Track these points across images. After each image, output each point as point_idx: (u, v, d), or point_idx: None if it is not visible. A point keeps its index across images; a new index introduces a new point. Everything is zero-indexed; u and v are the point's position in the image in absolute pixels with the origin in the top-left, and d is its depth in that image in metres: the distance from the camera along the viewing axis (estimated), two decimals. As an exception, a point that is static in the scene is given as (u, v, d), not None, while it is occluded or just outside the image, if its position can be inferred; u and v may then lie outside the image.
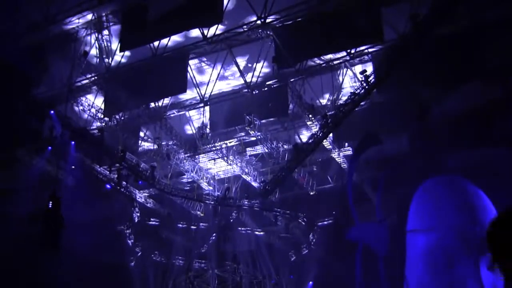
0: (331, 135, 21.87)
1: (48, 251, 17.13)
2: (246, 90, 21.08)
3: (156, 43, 20.04)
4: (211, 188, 26.15)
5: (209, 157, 24.58)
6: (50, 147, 21.16)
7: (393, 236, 16.65)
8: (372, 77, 18.41)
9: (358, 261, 17.29)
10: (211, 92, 21.72)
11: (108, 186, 24.06)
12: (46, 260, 19.41)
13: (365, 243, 17.73)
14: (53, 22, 18.84)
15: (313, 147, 21.08)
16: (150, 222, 28.32)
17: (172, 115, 23.28)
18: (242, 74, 21.01)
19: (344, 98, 20.21)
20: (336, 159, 24.18)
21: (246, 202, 26.17)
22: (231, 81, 22.74)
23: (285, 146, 23.98)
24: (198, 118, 23.85)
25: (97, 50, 20.96)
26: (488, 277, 14.51)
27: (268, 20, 18.12)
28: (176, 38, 20.42)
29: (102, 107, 22.71)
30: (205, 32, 19.13)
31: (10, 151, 20.72)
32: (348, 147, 23.73)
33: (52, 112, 20.28)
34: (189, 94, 22.42)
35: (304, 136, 23.71)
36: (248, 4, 17.91)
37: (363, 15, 17.37)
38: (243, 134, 23.56)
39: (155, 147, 23.97)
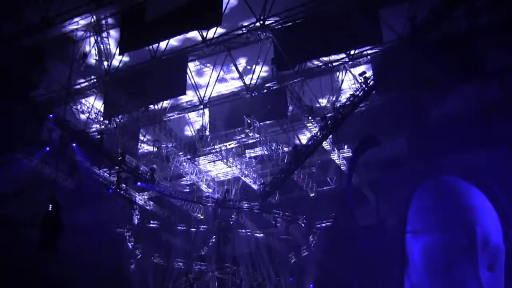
0: (330, 136, 21.84)
1: (47, 254, 17.09)
2: (245, 92, 21.09)
3: (155, 46, 20.02)
4: (210, 190, 26.12)
5: (208, 159, 24.59)
6: (48, 149, 21.12)
7: (392, 238, 16.62)
8: (371, 78, 18.42)
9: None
10: (211, 94, 21.73)
11: (110, 190, 24.04)
12: (46, 263, 19.38)
13: (364, 245, 17.69)
14: (52, 24, 18.81)
15: (312, 149, 21.08)
16: (150, 225, 28.30)
17: (171, 118, 23.28)
18: (241, 76, 21.00)
19: (343, 100, 20.20)
20: (336, 160, 24.14)
21: (246, 204, 26.10)
22: (231, 83, 22.72)
23: (285, 148, 23.97)
24: (198, 120, 23.84)
25: (96, 53, 20.96)
26: (487, 278, 14.49)
27: (267, 22, 18.11)
28: (174, 41, 20.41)
29: (102, 109, 22.72)
30: (204, 34, 19.13)
31: (8, 153, 20.69)
32: (348, 149, 23.71)
33: (51, 116, 20.28)
34: (189, 97, 22.43)
35: (304, 138, 23.70)
36: (247, 6, 17.92)
37: (362, 17, 17.36)
38: (242, 136, 23.53)
39: (154, 150, 23.96)
